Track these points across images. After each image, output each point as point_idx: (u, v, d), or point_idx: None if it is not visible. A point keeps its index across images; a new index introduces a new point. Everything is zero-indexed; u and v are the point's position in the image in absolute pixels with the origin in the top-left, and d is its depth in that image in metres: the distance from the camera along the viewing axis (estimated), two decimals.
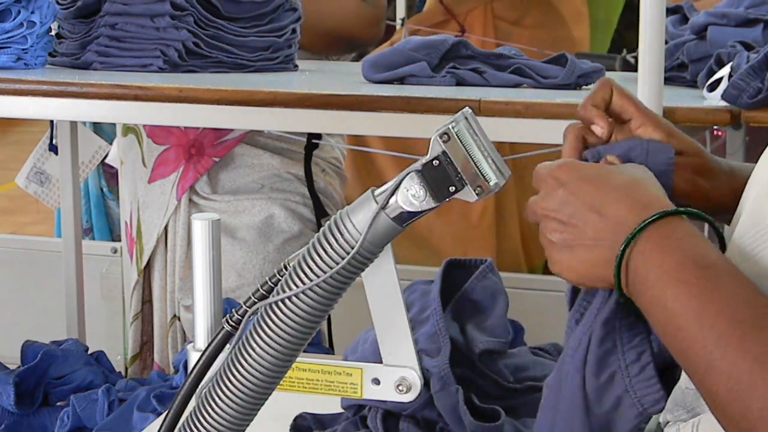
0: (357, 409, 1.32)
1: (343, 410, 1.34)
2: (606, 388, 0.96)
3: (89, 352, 2.32)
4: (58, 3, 2.22)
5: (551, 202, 0.95)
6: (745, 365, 0.80)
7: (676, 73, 2.08)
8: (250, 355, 0.97)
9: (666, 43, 1.92)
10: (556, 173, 0.96)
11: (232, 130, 2.30)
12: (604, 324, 0.96)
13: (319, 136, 2.40)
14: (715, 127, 2.27)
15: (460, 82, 1.96)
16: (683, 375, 0.95)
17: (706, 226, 0.96)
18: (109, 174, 3.55)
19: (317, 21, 2.36)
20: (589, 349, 0.97)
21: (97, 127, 3.40)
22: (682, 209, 0.91)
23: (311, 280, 0.95)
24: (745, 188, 0.97)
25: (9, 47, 2.13)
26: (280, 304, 0.96)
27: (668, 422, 1.02)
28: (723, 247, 0.94)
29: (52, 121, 2.69)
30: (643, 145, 1.03)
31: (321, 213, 2.38)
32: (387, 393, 1.05)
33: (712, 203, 1.06)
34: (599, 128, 1.04)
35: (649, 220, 0.89)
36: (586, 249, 0.93)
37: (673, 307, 0.86)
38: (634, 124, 1.07)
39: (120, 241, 2.68)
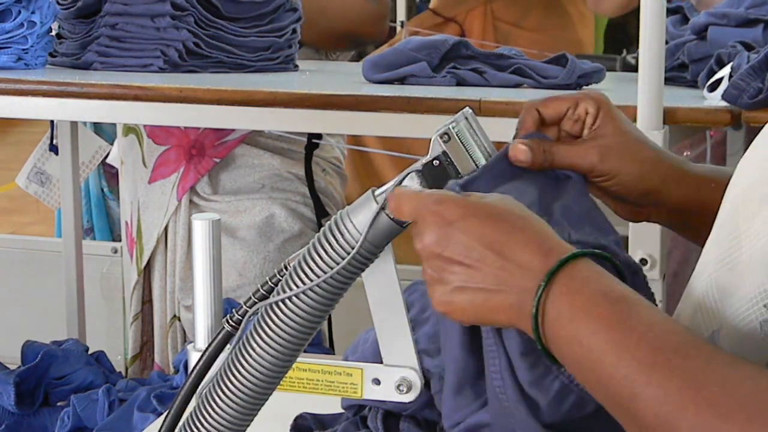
0: (357, 409, 1.32)
1: (343, 410, 1.34)
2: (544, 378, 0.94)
3: (89, 352, 2.32)
4: (58, 3, 2.22)
5: (438, 241, 0.89)
6: (674, 388, 0.78)
7: (677, 73, 2.09)
8: (250, 355, 0.96)
9: (666, 43, 1.92)
10: (439, 210, 0.90)
11: (232, 130, 2.30)
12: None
13: (319, 136, 2.40)
14: (707, 130, 2.27)
15: (461, 82, 1.96)
16: None
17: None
18: (109, 174, 3.55)
19: (323, 18, 2.37)
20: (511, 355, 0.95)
21: (98, 128, 3.40)
22: (586, 251, 0.87)
23: (311, 280, 0.95)
24: (723, 199, 0.95)
25: (9, 47, 2.13)
26: (281, 304, 0.96)
27: None
28: (626, 282, 0.89)
29: (52, 121, 2.69)
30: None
31: (321, 213, 2.38)
32: (387, 393, 1.05)
33: (674, 210, 1.06)
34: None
35: (558, 265, 0.85)
36: (487, 293, 0.88)
37: (589, 342, 0.83)
38: (571, 112, 1.05)
39: (120, 241, 2.68)
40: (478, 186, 0.96)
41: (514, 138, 1.05)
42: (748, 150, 0.94)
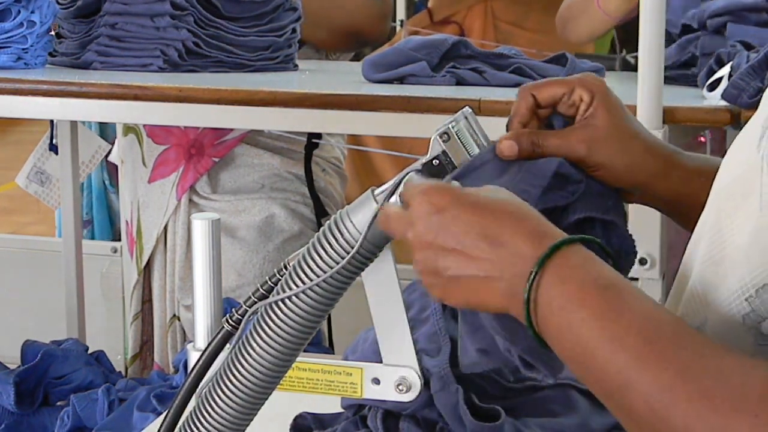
0: (357, 409, 1.32)
1: (343, 410, 1.34)
2: None
3: (89, 352, 2.32)
4: (58, 3, 2.22)
5: (430, 229, 0.89)
6: (666, 380, 0.78)
7: (681, 72, 2.08)
8: (250, 355, 0.96)
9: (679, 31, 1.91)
10: (430, 198, 0.90)
11: (232, 129, 2.30)
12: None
13: (319, 135, 2.40)
14: (701, 133, 2.27)
15: (460, 82, 1.96)
16: None
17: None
18: (111, 167, 3.56)
19: (326, 16, 2.37)
20: None
21: (103, 127, 3.41)
22: (576, 237, 0.87)
23: (311, 280, 0.95)
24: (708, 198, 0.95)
25: (9, 47, 2.13)
26: (280, 303, 0.96)
27: None
28: (616, 267, 0.89)
29: (52, 121, 2.69)
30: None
31: (321, 212, 2.38)
32: (387, 393, 1.05)
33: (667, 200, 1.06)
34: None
35: (549, 251, 0.85)
36: (480, 281, 0.87)
37: (579, 332, 0.82)
38: (566, 98, 1.05)
39: (120, 234, 2.68)
40: (471, 182, 0.96)
41: (508, 123, 1.05)
42: (731, 146, 0.95)
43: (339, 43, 2.59)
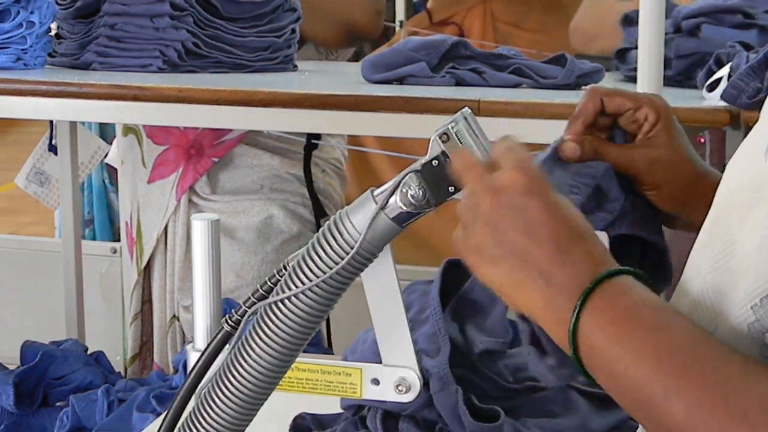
0: (356, 410, 1.32)
1: (342, 410, 1.34)
2: None
3: (89, 353, 2.32)
4: (57, 3, 2.22)
5: (508, 206, 0.89)
6: (706, 395, 0.79)
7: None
8: (249, 356, 0.96)
9: None
10: (524, 177, 0.90)
11: (231, 130, 2.30)
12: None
13: (318, 136, 2.40)
14: (700, 134, 2.27)
15: (460, 83, 1.96)
16: None
17: None
18: (111, 166, 3.56)
19: (321, 10, 2.37)
20: None
21: (102, 128, 3.41)
22: (629, 269, 0.88)
23: (310, 281, 0.95)
24: (712, 201, 0.96)
25: (8, 47, 2.13)
26: (280, 304, 0.96)
27: None
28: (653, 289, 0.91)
29: (51, 122, 2.69)
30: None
31: (320, 213, 2.38)
32: (386, 393, 1.05)
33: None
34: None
35: (606, 274, 0.86)
36: (525, 276, 0.87)
37: (628, 344, 0.83)
38: (631, 113, 1.07)
39: (120, 234, 2.68)
40: None
41: (570, 120, 1.07)
42: (736, 152, 0.95)
43: (334, 37, 2.59)
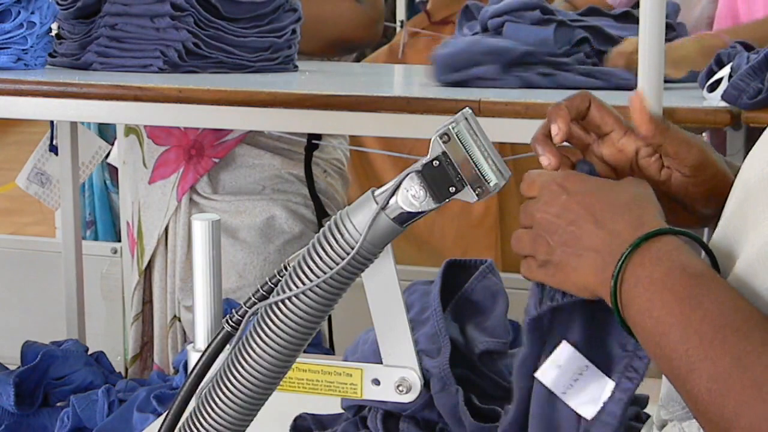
0: (357, 410, 1.32)
1: (343, 411, 1.34)
2: None
3: (89, 353, 2.32)
4: (58, 3, 2.22)
5: (553, 207, 0.96)
6: (724, 366, 0.83)
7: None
8: (250, 356, 0.96)
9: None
10: (562, 182, 0.97)
11: (232, 130, 2.30)
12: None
13: (319, 136, 2.40)
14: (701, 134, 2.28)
15: (529, 85, 1.96)
16: None
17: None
18: (112, 167, 3.56)
19: (312, 25, 2.36)
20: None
21: (103, 128, 3.41)
22: (675, 229, 0.92)
23: (311, 281, 0.95)
24: (731, 190, 0.98)
25: (9, 48, 2.14)
26: (280, 304, 0.96)
27: (665, 422, 1.02)
28: (714, 263, 0.94)
29: (52, 122, 2.69)
30: None
31: (322, 214, 2.38)
32: (387, 393, 1.05)
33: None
34: (545, 160, 1.03)
35: (644, 236, 0.91)
36: (578, 257, 0.94)
37: (659, 314, 0.88)
38: (616, 136, 1.05)
39: (121, 235, 2.68)
40: None
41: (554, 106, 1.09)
42: (755, 145, 0.97)
43: (328, 51, 2.59)
